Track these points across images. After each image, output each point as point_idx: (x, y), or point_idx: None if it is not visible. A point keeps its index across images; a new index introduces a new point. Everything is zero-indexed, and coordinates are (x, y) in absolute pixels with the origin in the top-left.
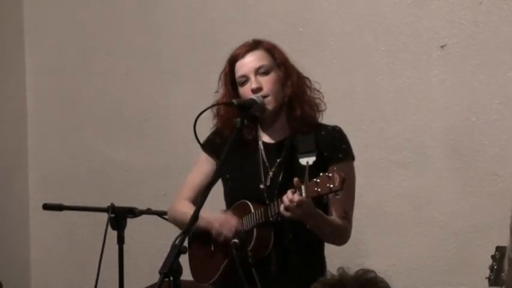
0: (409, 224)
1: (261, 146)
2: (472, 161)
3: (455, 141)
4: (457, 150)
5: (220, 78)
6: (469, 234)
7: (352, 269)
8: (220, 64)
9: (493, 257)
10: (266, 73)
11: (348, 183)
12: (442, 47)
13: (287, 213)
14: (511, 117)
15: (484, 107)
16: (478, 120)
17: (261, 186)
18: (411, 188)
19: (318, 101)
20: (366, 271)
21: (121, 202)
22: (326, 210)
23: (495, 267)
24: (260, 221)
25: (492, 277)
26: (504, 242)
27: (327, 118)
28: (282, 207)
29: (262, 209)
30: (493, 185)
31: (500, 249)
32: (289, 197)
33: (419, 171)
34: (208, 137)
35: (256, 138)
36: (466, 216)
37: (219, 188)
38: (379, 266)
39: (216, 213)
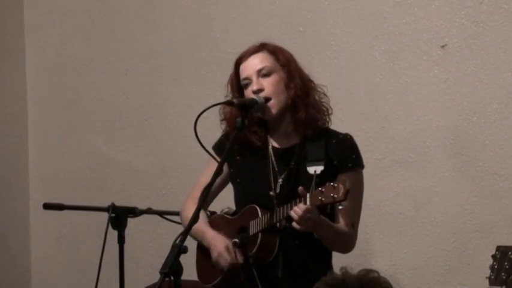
0: (410, 223)
1: (271, 152)
2: (473, 161)
3: (456, 140)
4: (457, 149)
5: (228, 82)
6: (470, 233)
7: (354, 268)
8: (221, 63)
9: (493, 256)
10: (268, 75)
11: (355, 193)
12: (443, 46)
13: (298, 227)
14: (511, 117)
15: (484, 107)
16: (478, 120)
17: (271, 192)
18: (412, 188)
19: (325, 105)
20: (369, 271)
21: (121, 202)
22: (332, 218)
23: (495, 266)
24: (266, 226)
25: (492, 277)
26: (504, 242)
27: None
28: (294, 224)
29: (269, 215)
30: (494, 184)
31: (501, 249)
32: (295, 210)
33: (420, 170)
34: (220, 138)
35: (266, 143)
36: (467, 215)
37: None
38: (380, 266)
39: (218, 239)
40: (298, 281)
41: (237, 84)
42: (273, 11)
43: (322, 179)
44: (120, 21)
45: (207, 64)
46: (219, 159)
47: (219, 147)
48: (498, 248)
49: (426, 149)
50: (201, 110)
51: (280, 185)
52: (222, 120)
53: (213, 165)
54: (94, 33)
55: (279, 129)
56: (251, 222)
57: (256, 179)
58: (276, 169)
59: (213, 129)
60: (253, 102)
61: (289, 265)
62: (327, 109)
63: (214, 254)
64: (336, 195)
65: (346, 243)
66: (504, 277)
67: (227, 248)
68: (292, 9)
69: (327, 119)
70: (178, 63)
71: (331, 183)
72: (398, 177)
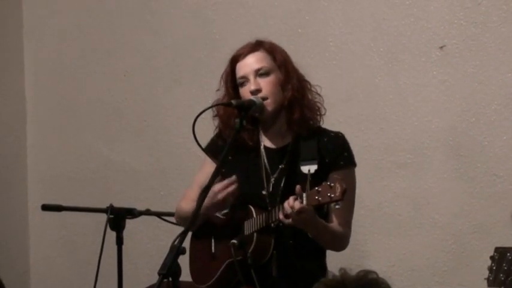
0: (409, 224)
1: (263, 151)
2: (471, 162)
3: (455, 142)
4: (456, 151)
5: (222, 77)
6: (468, 235)
7: (353, 269)
8: (220, 64)
9: (492, 257)
10: (266, 75)
11: (348, 191)
12: (441, 47)
13: (287, 220)
14: (510, 118)
15: (483, 108)
16: (477, 121)
17: (263, 192)
18: (410, 189)
19: (318, 105)
20: (368, 272)
21: (120, 203)
22: (327, 217)
23: (494, 268)
24: (261, 227)
25: (491, 278)
26: (503, 243)
27: (326, 119)
28: (281, 215)
29: (263, 215)
30: (492, 185)
31: (499, 250)
32: (290, 203)
33: (419, 172)
34: (212, 139)
35: (258, 143)
36: (465, 217)
37: None
38: (379, 267)
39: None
40: (292, 281)
41: (232, 81)
42: (271, 13)
43: (315, 177)
44: (119, 22)
45: (206, 65)
46: (213, 160)
47: (211, 148)
48: (496, 249)
49: (425, 150)
50: (200, 111)
51: (273, 184)
52: (214, 116)
53: (207, 167)
54: (93, 34)
55: (272, 129)
56: (245, 223)
57: (248, 179)
58: (268, 169)
59: (212, 130)
60: (251, 103)
61: (284, 265)
62: (319, 108)
63: (210, 201)
64: (333, 195)
65: (340, 242)
66: (502, 278)
67: (220, 184)
68: (291, 10)
69: (319, 119)
70: (177, 65)
71: (328, 183)
72: (397, 178)
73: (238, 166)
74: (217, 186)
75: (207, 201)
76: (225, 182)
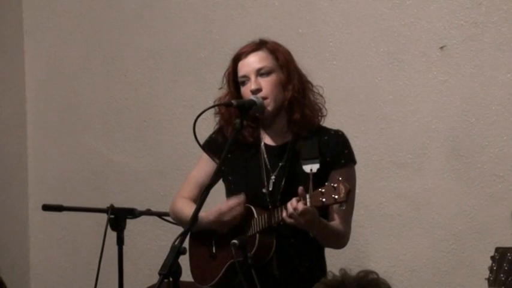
0: (409, 225)
1: (263, 149)
2: (472, 162)
3: (455, 142)
4: (456, 151)
5: (224, 75)
6: (469, 235)
7: (353, 270)
8: (220, 65)
9: (492, 257)
10: (267, 74)
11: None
12: (442, 48)
13: (290, 220)
14: (510, 119)
15: (483, 108)
16: (477, 121)
17: (264, 190)
18: (411, 189)
19: (319, 105)
20: (368, 272)
21: (120, 203)
22: (327, 216)
23: (494, 268)
24: (263, 227)
25: (491, 278)
26: (503, 243)
27: (326, 119)
28: (284, 213)
29: (265, 215)
30: (493, 186)
31: (500, 250)
32: (294, 205)
33: (419, 172)
34: (210, 135)
35: (258, 140)
36: (466, 217)
37: (218, 187)
38: (379, 267)
39: (211, 211)
40: (294, 278)
41: (234, 79)
42: (272, 13)
43: (315, 176)
44: (119, 23)
45: (206, 65)
46: (211, 157)
47: (209, 144)
48: (497, 249)
49: (425, 150)
50: (200, 111)
51: (273, 183)
52: (216, 113)
53: (203, 163)
54: (93, 34)
55: (272, 127)
56: (246, 223)
57: (248, 177)
58: (269, 166)
59: (212, 130)
60: (251, 103)
61: (285, 264)
62: (321, 109)
63: (218, 219)
64: (337, 196)
65: (341, 240)
66: (503, 278)
67: (227, 206)
68: (291, 10)
69: (320, 119)
70: (177, 65)
71: (332, 184)
72: (397, 178)
73: (237, 163)
74: (224, 207)
75: (214, 218)
76: (232, 202)
